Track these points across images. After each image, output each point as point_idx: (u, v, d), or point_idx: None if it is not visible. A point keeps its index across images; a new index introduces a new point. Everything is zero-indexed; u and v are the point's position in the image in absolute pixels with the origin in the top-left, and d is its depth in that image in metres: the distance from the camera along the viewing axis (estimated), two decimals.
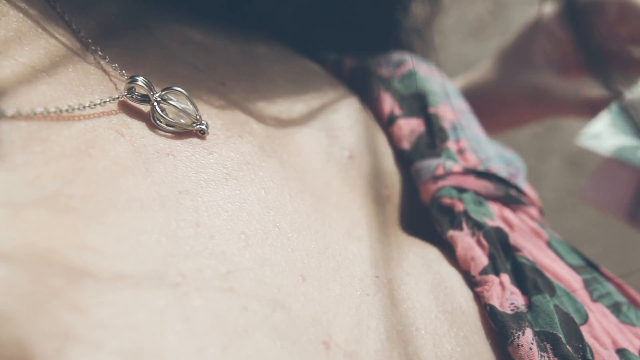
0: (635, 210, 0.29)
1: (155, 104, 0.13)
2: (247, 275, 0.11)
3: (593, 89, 0.31)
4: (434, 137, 0.20)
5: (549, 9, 0.33)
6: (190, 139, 0.14)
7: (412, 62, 0.24)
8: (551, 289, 0.15)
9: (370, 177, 0.19)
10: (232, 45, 0.20)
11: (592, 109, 0.30)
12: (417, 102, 0.21)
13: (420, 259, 0.15)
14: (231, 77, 0.17)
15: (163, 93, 0.14)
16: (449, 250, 0.17)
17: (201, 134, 0.14)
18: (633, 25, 0.31)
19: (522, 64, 0.33)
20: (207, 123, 0.14)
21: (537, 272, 0.15)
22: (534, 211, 0.20)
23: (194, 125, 0.14)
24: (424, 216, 0.19)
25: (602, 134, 0.30)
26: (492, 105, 0.34)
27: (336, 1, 0.25)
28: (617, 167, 0.31)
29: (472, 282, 0.15)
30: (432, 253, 0.16)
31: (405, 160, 0.20)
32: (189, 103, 0.14)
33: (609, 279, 0.18)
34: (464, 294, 0.15)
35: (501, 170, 0.21)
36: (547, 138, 1.06)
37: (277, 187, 0.14)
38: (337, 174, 0.17)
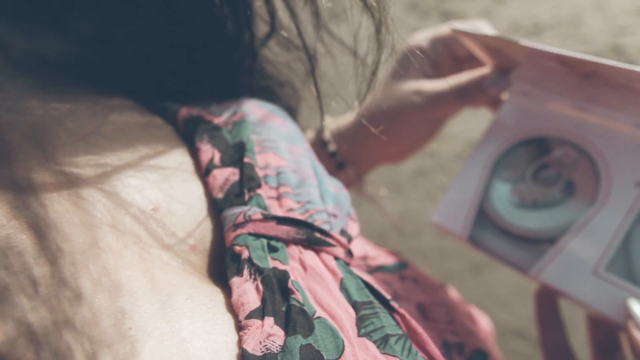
0: (474, 232, 0.32)
1: None
2: None
3: (462, 76, 0.34)
4: (243, 186, 0.21)
5: (424, 36, 0.37)
6: None
7: (247, 110, 0.26)
8: (309, 329, 0.16)
9: (175, 228, 0.20)
10: (53, 103, 0.21)
11: (463, 93, 0.34)
12: (237, 152, 0.23)
13: (197, 306, 0.17)
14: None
15: None
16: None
17: None
18: (479, 62, 0.35)
19: (402, 80, 0.37)
20: None
21: (302, 313, 0.17)
22: (339, 251, 0.22)
23: None
24: None
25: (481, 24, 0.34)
26: (391, 122, 0.37)
27: (177, 50, 0.27)
28: (462, 185, 0.33)
29: (240, 327, 0.16)
30: (214, 300, 0.17)
31: (218, 209, 0.21)
32: None
33: (396, 312, 0.20)
34: (227, 339, 0.16)
35: (322, 212, 0.23)
36: None
37: (34, 248, 0.15)
38: (133, 228, 0.18)
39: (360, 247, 0.32)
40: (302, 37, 0.27)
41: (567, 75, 0.29)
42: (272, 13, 0.27)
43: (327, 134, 0.42)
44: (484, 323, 0.38)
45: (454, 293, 0.38)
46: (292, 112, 0.38)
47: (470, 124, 1.15)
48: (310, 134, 0.43)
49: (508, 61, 0.32)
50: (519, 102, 0.34)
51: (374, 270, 0.31)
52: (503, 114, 0.35)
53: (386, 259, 0.34)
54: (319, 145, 0.42)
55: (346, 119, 0.42)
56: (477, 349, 0.31)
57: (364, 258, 0.31)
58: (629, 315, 0.25)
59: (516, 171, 0.32)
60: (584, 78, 0.28)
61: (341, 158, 0.41)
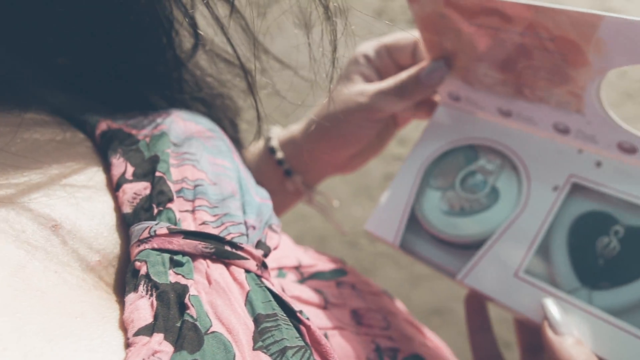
0: (406, 239, 0.33)
1: None
2: None
3: (401, 73, 0.35)
4: (152, 201, 0.21)
5: (370, 44, 0.38)
6: None
7: (169, 122, 0.26)
8: (198, 344, 0.17)
9: (78, 245, 0.20)
10: None
11: (403, 88, 0.35)
12: (151, 165, 0.23)
13: (86, 324, 0.17)
14: None
15: None
16: None
17: None
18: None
19: (347, 83, 0.38)
20: None
21: (194, 328, 0.17)
22: (250, 264, 0.22)
23: None
24: None
25: None
26: (338, 123, 0.37)
27: (98, 63, 0.27)
28: (394, 194, 0.34)
29: (128, 344, 0.16)
30: (108, 317, 0.17)
31: (127, 224, 0.21)
32: None
33: (302, 324, 0.20)
34: (113, 357, 0.16)
35: (239, 225, 0.23)
36: None
37: None
38: (33, 245, 0.18)
39: (293, 256, 0.32)
40: (234, 48, 0.27)
41: (502, 48, 0.29)
42: (193, 26, 0.27)
43: (274, 142, 0.42)
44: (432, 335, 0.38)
45: (399, 304, 0.38)
46: (232, 122, 0.38)
47: None
48: (260, 142, 0.43)
49: (448, 49, 0.33)
50: (450, 111, 0.35)
51: (307, 278, 0.31)
52: (435, 119, 0.35)
53: (324, 266, 0.34)
54: (267, 153, 0.42)
55: (295, 127, 0.42)
56: (413, 354, 0.32)
57: (298, 267, 0.32)
58: (544, 315, 0.26)
59: (446, 179, 0.33)
60: (519, 50, 0.29)
61: (288, 166, 0.41)
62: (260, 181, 0.41)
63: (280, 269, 0.30)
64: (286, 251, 0.32)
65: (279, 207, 0.44)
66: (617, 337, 0.24)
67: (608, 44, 0.24)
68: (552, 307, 0.26)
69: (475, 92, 0.33)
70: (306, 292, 0.29)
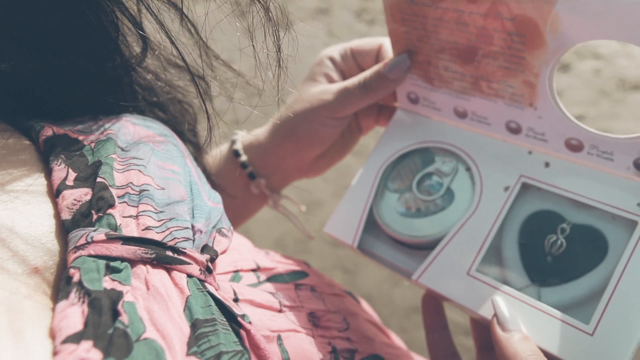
0: (364, 241, 0.33)
1: None
2: None
3: (366, 71, 0.36)
4: (91, 207, 0.21)
5: (336, 47, 0.38)
6: None
7: (116, 127, 0.26)
8: (127, 351, 0.16)
9: (13, 252, 0.19)
10: None
11: (366, 84, 0.35)
12: (93, 171, 0.23)
13: (13, 333, 0.16)
14: None
15: None
16: None
17: None
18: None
19: (311, 84, 0.38)
20: None
21: (124, 335, 0.17)
22: (193, 268, 0.22)
23: None
24: None
25: None
26: (302, 122, 0.37)
27: (44, 69, 0.26)
28: (353, 197, 0.34)
29: (55, 352, 0.16)
30: (37, 325, 0.17)
31: (66, 230, 0.21)
32: None
33: (242, 328, 0.20)
34: None
35: (185, 229, 0.23)
36: None
37: None
38: None
39: (251, 259, 0.32)
40: (180, 53, 0.27)
41: (465, 34, 0.29)
42: (140, 31, 0.27)
43: (238, 145, 0.42)
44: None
45: (364, 304, 0.38)
46: (191, 127, 0.38)
47: None
48: (225, 145, 0.43)
49: (412, 41, 0.33)
50: (408, 114, 0.35)
51: (264, 281, 0.31)
52: (394, 122, 0.36)
53: (283, 269, 0.34)
54: (231, 156, 0.42)
55: (261, 130, 0.42)
56: (372, 355, 0.32)
57: (255, 270, 0.32)
58: (493, 312, 0.26)
59: (403, 181, 0.33)
60: (481, 35, 0.29)
61: (252, 169, 0.41)
62: (224, 184, 0.41)
63: (236, 271, 0.30)
64: (244, 254, 0.32)
65: (244, 211, 0.44)
66: (563, 332, 0.25)
67: (565, 20, 0.25)
68: (501, 304, 0.26)
69: (434, 91, 0.34)
70: (260, 295, 0.29)
